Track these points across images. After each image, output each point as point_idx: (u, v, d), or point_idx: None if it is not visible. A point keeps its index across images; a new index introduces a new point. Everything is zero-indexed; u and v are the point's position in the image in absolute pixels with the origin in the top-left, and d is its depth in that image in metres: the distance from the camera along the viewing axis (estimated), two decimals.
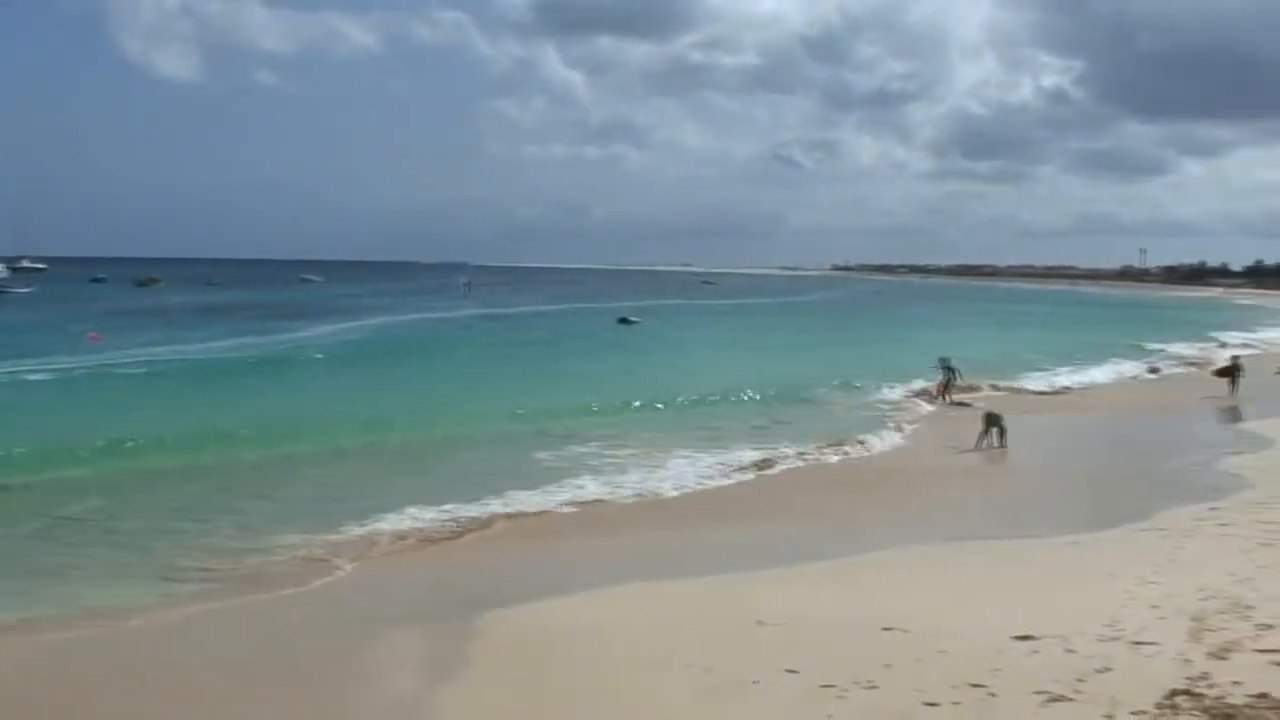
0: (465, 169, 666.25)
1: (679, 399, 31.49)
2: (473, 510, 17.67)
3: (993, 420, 24.96)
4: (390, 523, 16.61)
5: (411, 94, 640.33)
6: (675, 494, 19.81)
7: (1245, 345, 53.03)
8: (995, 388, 35.67)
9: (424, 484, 19.40)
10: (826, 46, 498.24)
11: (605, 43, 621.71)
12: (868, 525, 17.30)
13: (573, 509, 18.45)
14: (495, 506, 18.01)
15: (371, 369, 41.10)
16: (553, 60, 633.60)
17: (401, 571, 14.64)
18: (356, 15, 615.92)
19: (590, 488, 19.74)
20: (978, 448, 24.55)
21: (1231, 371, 34.57)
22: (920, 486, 21.06)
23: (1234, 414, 30.56)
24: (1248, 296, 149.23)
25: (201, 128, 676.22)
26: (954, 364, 33.76)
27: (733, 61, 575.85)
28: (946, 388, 32.94)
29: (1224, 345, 53.29)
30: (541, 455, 22.54)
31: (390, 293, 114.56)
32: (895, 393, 34.24)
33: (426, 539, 16.14)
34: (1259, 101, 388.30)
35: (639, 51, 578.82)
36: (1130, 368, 43.95)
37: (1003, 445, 24.57)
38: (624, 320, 70.75)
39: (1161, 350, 51.47)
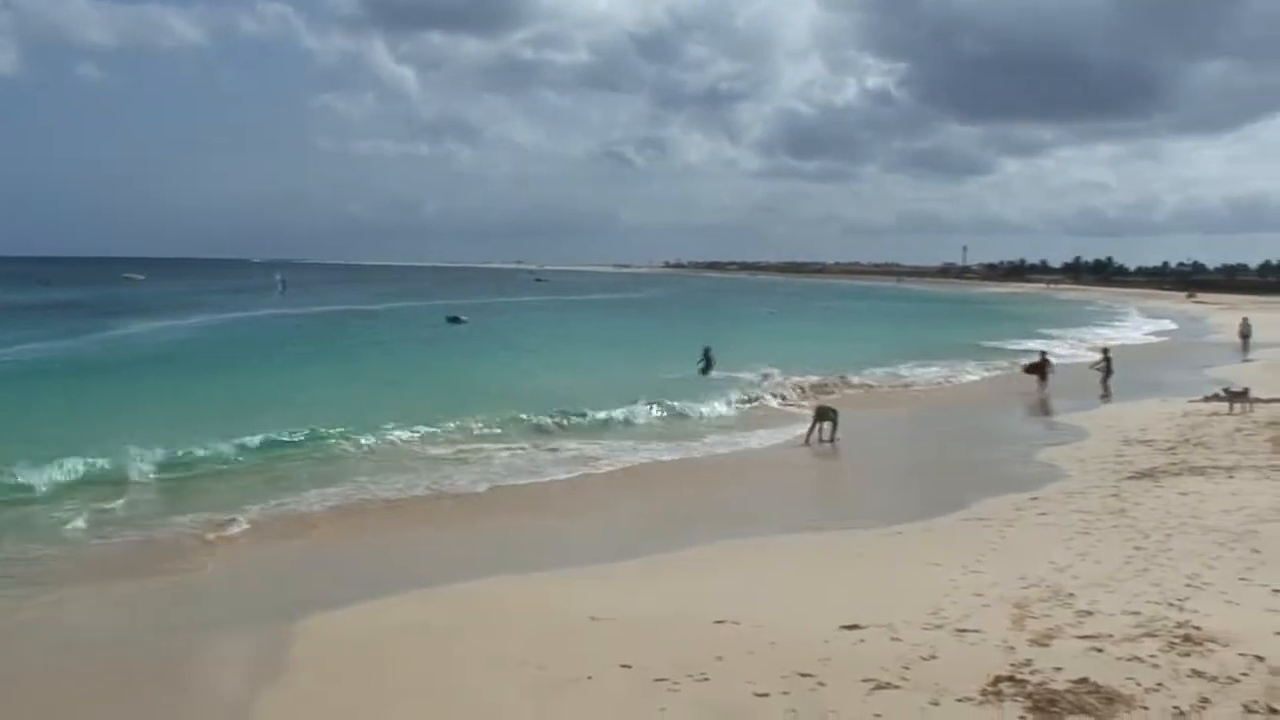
0: (296, 165, 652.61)
1: (506, 396, 31.28)
2: (299, 507, 17.53)
3: (823, 414, 25.49)
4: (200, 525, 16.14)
5: (239, 88, 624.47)
6: (502, 488, 19.66)
7: (1071, 342, 55.71)
8: (844, 382, 36.39)
9: (240, 486, 19.05)
10: (657, 46, 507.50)
11: (435, 38, 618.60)
12: (700, 519, 17.47)
13: (393, 505, 18.24)
14: (317, 507, 17.74)
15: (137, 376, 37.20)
16: (382, 55, 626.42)
17: (223, 575, 14.15)
18: (181, 8, 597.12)
19: (418, 486, 19.55)
20: (808, 442, 25.05)
21: (1040, 368, 35.98)
22: (751, 480, 21.42)
23: (1049, 407, 31.99)
24: (1067, 292, 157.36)
25: (20, 121, 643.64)
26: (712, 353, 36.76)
27: (564, 59, 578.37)
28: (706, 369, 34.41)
29: (1047, 342, 55.62)
30: (351, 451, 22.20)
31: (215, 290, 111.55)
32: (729, 387, 34.77)
33: (250, 537, 15.78)
34: (1077, 103, 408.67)
35: (470, 48, 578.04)
36: (967, 364, 45.43)
37: (834, 439, 25.12)
38: (454, 319, 69.90)
39: (997, 347, 53.39)
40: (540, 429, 25.46)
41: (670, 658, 9.65)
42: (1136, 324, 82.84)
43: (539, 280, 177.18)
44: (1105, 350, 36.72)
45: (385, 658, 10.24)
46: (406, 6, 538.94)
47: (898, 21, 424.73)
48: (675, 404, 29.46)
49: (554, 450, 23.08)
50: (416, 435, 23.65)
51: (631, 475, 21.32)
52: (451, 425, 24.58)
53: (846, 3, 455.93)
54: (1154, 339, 66.23)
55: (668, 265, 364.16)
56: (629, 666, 9.50)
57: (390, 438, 23.23)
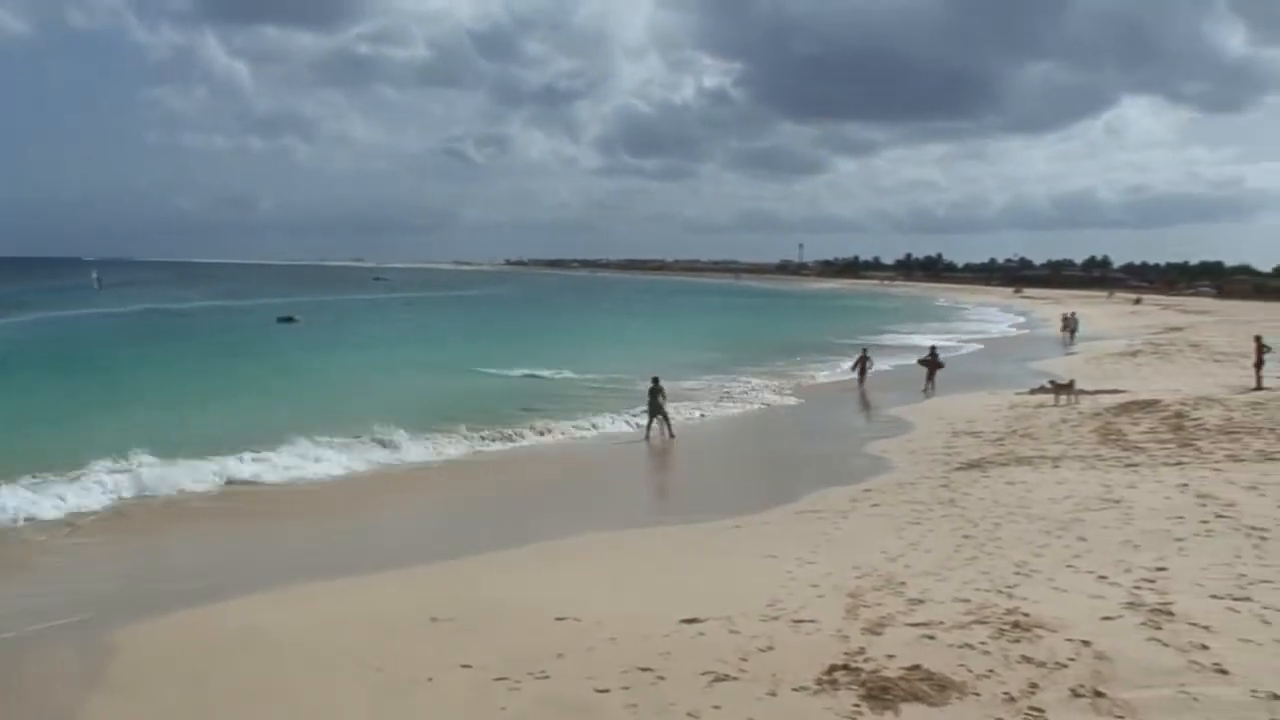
0: (127, 160, 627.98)
1: (333, 395, 30.85)
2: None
3: (655, 410, 25.71)
4: None
5: (65, 81, 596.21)
6: (332, 486, 19.48)
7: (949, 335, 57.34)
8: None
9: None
10: (496, 43, 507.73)
11: (270, 32, 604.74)
12: (537, 516, 17.49)
13: (218, 499, 18.08)
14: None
15: None
16: (214, 49, 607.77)
17: (38, 575, 13.79)
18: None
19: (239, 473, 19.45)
20: (646, 437, 25.21)
21: (931, 366, 36.64)
22: (590, 476, 21.48)
23: (874, 401, 32.86)
24: (899, 288, 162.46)
25: None
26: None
27: (402, 55, 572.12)
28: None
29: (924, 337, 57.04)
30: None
31: (29, 290, 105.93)
32: (572, 383, 34.94)
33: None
34: (907, 104, 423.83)
35: (305, 42, 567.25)
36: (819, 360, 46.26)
37: (670, 435, 25.37)
38: (285, 319, 68.16)
39: (846, 343, 54.53)
40: (370, 429, 24.97)
41: (511, 656, 9.58)
42: (993, 317, 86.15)
43: (379, 279, 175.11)
44: (932, 348, 37.80)
45: (216, 663, 9.96)
46: (240, 0, 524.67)
47: (733, 22, 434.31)
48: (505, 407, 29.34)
49: (391, 450, 22.65)
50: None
51: (468, 472, 21.17)
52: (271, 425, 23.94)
53: (683, 3, 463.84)
54: (1014, 331, 69.05)
55: (509, 263, 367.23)
56: (469, 666, 9.42)
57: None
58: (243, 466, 20.08)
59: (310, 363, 42.58)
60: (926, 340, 47.39)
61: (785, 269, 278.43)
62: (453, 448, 23.22)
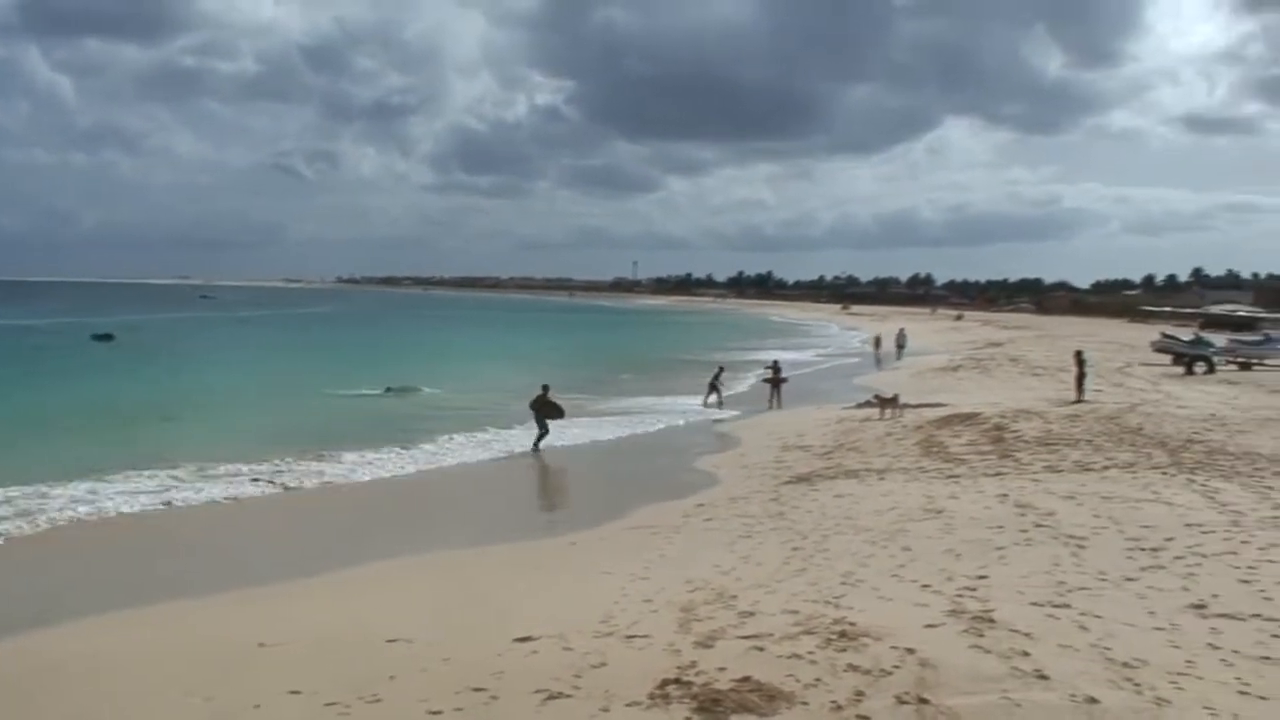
0: None
1: (144, 414, 29.88)
2: None
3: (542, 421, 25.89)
4: None
5: None
6: (153, 514, 18.71)
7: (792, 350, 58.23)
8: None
9: None
10: (326, 57, 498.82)
11: (93, 45, 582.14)
12: (371, 537, 17.24)
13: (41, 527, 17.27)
14: None
15: None
16: (36, 61, 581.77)
17: None
18: None
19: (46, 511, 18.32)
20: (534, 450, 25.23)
21: (774, 381, 37.00)
22: (428, 496, 21.29)
23: (709, 415, 33.33)
24: (732, 304, 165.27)
25: None
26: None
27: (229, 68, 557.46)
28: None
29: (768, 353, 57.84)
30: None
31: None
32: (417, 402, 34.65)
33: None
34: (736, 124, 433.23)
35: (129, 55, 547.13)
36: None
37: (537, 449, 25.51)
38: (101, 336, 65.61)
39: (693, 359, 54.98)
40: (204, 452, 24.21)
41: (342, 681, 9.37)
42: (824, 333, 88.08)
43: (205, 296, 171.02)
44: (775, 363, 38.46)
45: (39, 692, 9.59)
46: (62, 12, 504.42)
47: (564, 41, 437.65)
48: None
49: (209, 474, 21.92)
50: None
51: (299, 494, 20.74)
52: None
53: (515, 20, 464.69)
54: (843, 347, 70.74)
55: (340, 280, 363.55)
56: (299, 692, 9.17)
57: None
58: (64, 492, 19.38)
59: (130, 386, 41.02)
60: (769, 355, 48.21)
61: (620, 286, 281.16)
62: (286, 470, 22.52)
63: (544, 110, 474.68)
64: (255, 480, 21.38)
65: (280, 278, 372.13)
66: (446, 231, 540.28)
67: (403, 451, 25.32)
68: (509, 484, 23.13)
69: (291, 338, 76.64)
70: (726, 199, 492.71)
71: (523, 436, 27.34)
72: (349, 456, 24.30)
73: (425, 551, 15.79)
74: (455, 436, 27.71)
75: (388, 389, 38.19)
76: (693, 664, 9.31)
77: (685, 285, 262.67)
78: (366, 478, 22.55)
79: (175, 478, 21.36)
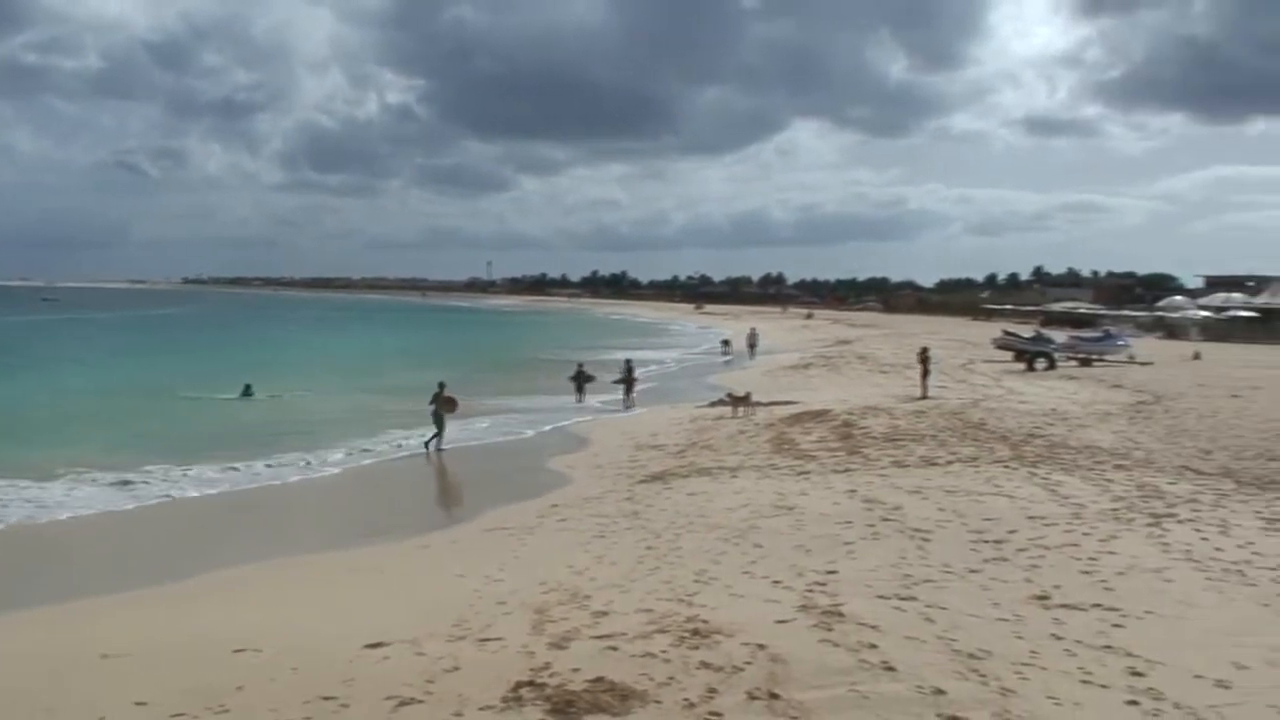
0: None
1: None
2: None
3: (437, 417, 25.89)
4: None
5: None
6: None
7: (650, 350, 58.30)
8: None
9: None
10: (172, 53, 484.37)
11: None
12: (218, 545, 16.89)
13: None
14: None
15: None
16: None
17: None
18: None
19: None
20: (427, 451, 24.79)
21: (628, 381, 36.99)
22: (282, 500, 20.78)
23: (561, 417, 33.23)
24: (586, 303, 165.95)
25: None
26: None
27: (72, 65, 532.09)
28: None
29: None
30: None
31: None
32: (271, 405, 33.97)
33: None
34: (588, 124, 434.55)
35: None
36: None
37: (438, 448, 25.43)
38: None
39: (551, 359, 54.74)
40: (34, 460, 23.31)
41: (188, 691, 9.13)
42: (680, 332, 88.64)
43: (47, 299, 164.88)
44: (628, 361, 38.58)
45: None
46: None
47: (415, 39, 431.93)
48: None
49: (53, 482, 21.14)
50: None
51: (147, 503, 20.07)
52: None
53: (365, 18, 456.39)
54: (698, 346, 71.41)
55: (187, 281, 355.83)
56: (144, 704, 8.92)
57: None
58: None
59: None
60: (625, 355, 48.31)
61: (474, 286, 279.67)
62: (135, 477, 21.75)
63: (395, 109, 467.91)
64: (102, 488, 20.70)
65: (125, 279, 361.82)
66: (297, 231, 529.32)
67: (255, 456, 24.61)
68: (361, 488, 22.70)
69: (141, 340, 74.14)
70: (580, 199, 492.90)
71: (381, 438, 27.05)
72: (202, 462, 23.62)
73: (274, 559, 15.45)
74: (310, 439, 27.12)
75: (244, 392, 37.24)
76: (546, 665, 9.29)
77: (540, 285, 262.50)
78: (218, 484, 21.87)
79: (15, 486, 20.57)
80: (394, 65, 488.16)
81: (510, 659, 9.59)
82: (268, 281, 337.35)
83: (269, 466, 23.74)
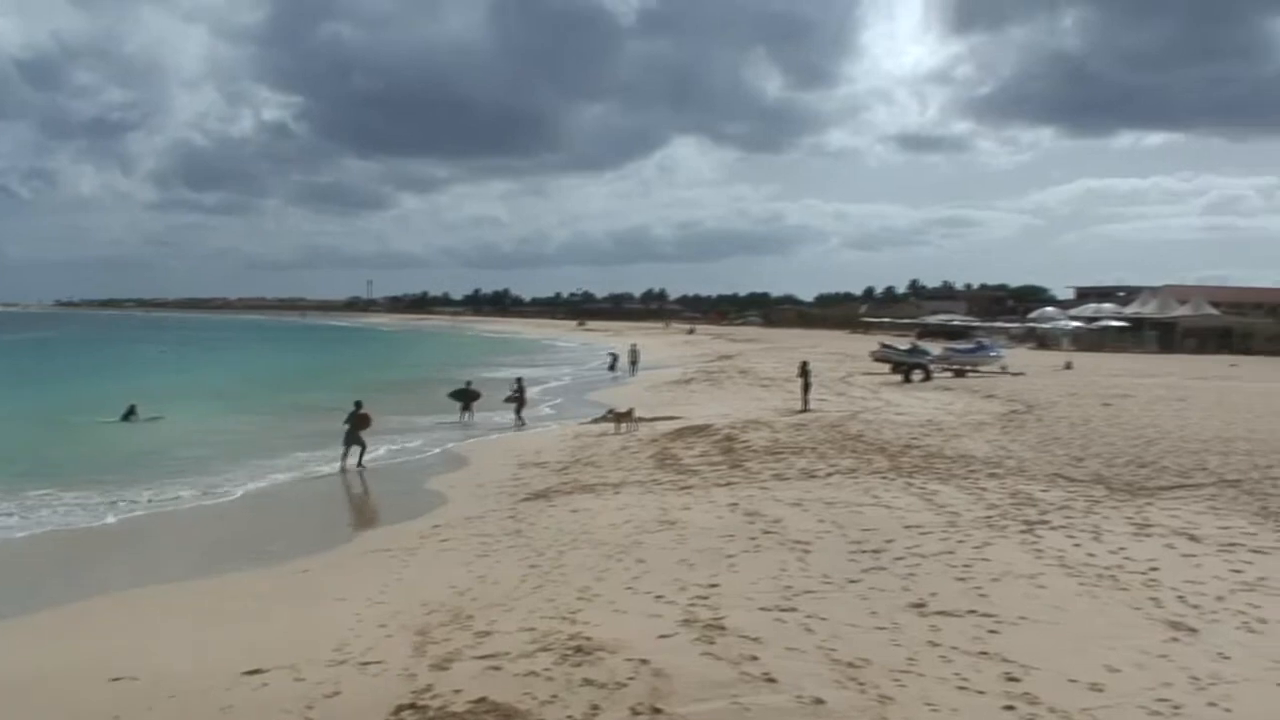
0: None
1: None
2: None
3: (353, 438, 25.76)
4: None
5: None
6: None
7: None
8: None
9: None
10: (42, 71, 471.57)
11: None
12: (90, 572, 16.33)
13: None
14: None
15: None
16: None
17: None
18: None
19: None
20: (342, 470, 24.41)
21: (519, 400, 36.68)
22: (158, 528, 20.15)
23: (440, 438, 32.91)
24: (467, 321, 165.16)
25: None
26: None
27: None
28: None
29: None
30: None
31: None
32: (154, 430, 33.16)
33: None
34: (468, 141, 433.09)
35: None
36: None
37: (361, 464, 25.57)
38: None
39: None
40: None
41: None
42: (564, 350, 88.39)
43: None
44: (519, 380, 38.40)
45: None
46: None
47: (291, 55, 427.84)
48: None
49: None
50: None
51: (11, 527, 19.38)
52: None
53: (240, 34, 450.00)
54: (582, 363, 71.25)
55: (59, 303, 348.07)
56: None
57: None
58: None
59: None
60: (516, 372, 48.02)
61: (354, 306, 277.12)
62: (10, 504, 21.00)
63: (272, 126, 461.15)
64: None
65: None
66: (173, 252, 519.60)
67: (139, 481, 23.83)
68: (238, 513, 22.10)
69: (14, 363, 71.48)
70: (461, 216, 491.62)
71: (267, 462, 26.47)
72: (82, 487, 22.81)
73: (153, 585, 14.99)
74: (197, 464, 26.38)
75: (126, 414, 36.14)
76: (428, 688, 9.24)
77: (421, 303, 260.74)
78: (99, 510, 21.11)
79: None
80: (270, 82, 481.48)
81: (391, 682, 9.51)
82: (141, 303, 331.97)
83: (152, 491, 23.00)
